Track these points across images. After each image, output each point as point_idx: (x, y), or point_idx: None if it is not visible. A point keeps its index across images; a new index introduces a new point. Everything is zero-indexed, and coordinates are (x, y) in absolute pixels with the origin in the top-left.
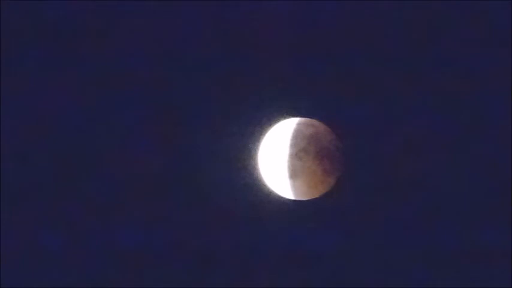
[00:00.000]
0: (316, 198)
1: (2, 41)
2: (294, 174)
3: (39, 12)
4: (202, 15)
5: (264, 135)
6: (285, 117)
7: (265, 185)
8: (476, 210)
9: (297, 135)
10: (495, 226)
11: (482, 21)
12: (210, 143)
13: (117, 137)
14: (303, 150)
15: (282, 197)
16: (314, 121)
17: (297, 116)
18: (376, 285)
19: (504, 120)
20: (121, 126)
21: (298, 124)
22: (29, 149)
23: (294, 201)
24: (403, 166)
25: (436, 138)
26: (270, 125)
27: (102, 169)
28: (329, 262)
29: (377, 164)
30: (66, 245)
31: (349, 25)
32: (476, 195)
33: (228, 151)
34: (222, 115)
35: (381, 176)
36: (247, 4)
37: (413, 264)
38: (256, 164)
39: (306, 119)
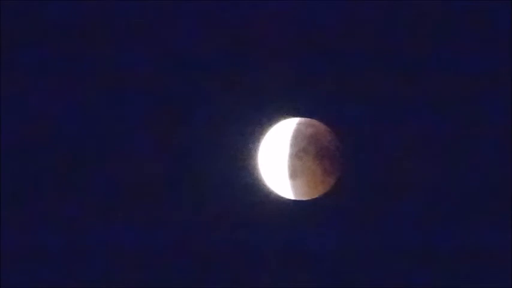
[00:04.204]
0: (316, 198)
1: (2, 41)
2: (294, 174)
3: (39, 12)
4: (202, 15)
5: (264, 135)
6: (285, 117)
7: (265, 185)
8: (476, 210)
9: (297, 135)
10: (495, 226)
11: (482, 21)
12: (210, 143)
13: (117, 137)
14: (303, 150)
15: (282, 197)
16: (314, 121)
17: (297, 116)
18: (376, 285)
19: (504, 120)
20: (121, 126)
21: (298, 124)
22: (29, 149)
23: (294, 201)
24: (403, 166)
25: (436, 138)
26: (270, 125)
27: (102, 169)
28: (329, 262)
29: (377, 164)
30: (66, 245)
31: (349, 25)
32: (476, 195)
33: (228, 151)
34: (222, 115)
35: (381, 176)
36: (247, 4)
37: (413, 264)
38: (256, 164)
39: (306, 119)
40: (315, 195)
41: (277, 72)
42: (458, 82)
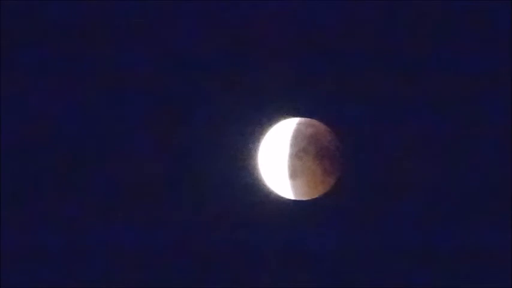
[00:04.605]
0: (316, 198)
1: (2, 41)
2: (294, 174)
3: (39, 12)
4: (202, 15)
5: (264, 135)
6: (285, 117)
7: (265, 185)
8: (476, 210)
9: (297, 135)
10: (495, 226)
11: (482, 21)
12: (210, 143)
13: (117, 137)
14: (303, 150)
15: (282, 197)
16: (314, 121)
17: (297, 116)
18: (376, 285)
19: (504, 120)
20: (121, 126)
21: (298, 124)
22: (29, 149)
23: (294, 201)
24: (403, 166)
25: (436, 138)
26: (270, 125)
27: (102, 169)
28: (329, 262)
29: (377, 164)
30: (66, 245)
31: (349, 25)
32: (476, 195)
33: (228, 151)
34: (222, 115)
35: (381, 176)
36: (247, 4)
37: (413, 264)
38: (256, 164)
39: (306, 119)
40: (315, 195)
41: (277, 72)
42: (458, 82)
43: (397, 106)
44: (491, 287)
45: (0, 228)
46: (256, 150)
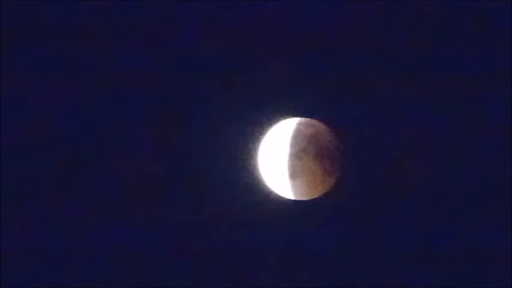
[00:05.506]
0: (316, 198)
1: (2, 41)
2: (294, 174)
3: (39, 12)
4: (202, 15)
5: (264, 135)
6: (285, 117)
7: (265, 185)
8: (476, 210)
9: (297, 135)
10: (495, 226)
11: (482, 21)
12: (210, 143)
13: (117, 137)
14: (303, 150)
15: (282, 197)
16: (314, 121)
17: (297, 116)
18: (376, 285)
19: (504, 120)
20: (121, 126)
21: (298, 124)
22: (29, 149)
23: (294, 201)
24: (403, 166)
25: (436, 138)
26: (270, 125)
27: (102, 169)
28: (329, 262)
29: (377, 164)
30: (66, 245)
31: (349, 25)
32: (476, 195)
33: (228, 151)
34: (222, 115)
35: (381, 176)
36: (247, 4)
37: (413, 264)
38: (256, 164)
39: (306, 119)
40: (315, 195)
41: (277, 72)
42: (458, 82)
43: (397, 106)
44: (491, 287)
45: (0, 228)
46: (256, 150)
